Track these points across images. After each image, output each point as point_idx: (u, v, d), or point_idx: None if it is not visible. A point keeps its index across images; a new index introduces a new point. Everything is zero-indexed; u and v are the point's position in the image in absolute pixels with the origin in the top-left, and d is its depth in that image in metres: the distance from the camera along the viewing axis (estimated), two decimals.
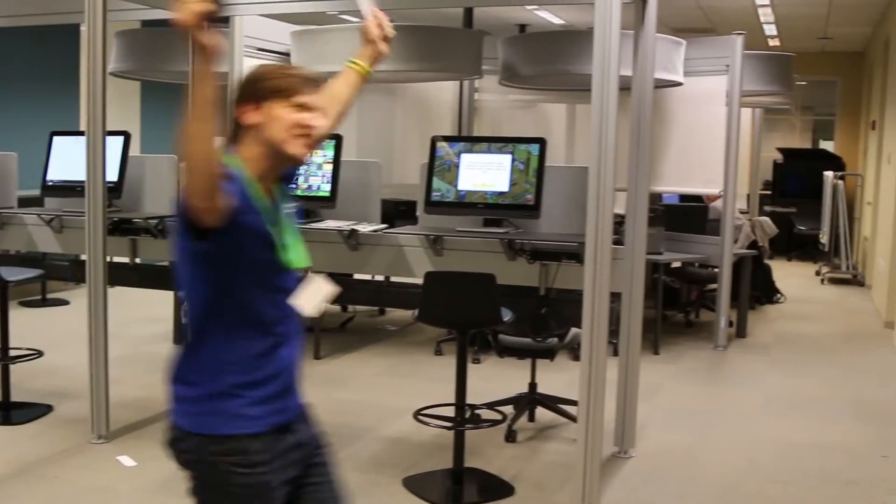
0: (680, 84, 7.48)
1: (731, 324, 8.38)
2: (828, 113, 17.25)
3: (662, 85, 7.42)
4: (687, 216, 8.76)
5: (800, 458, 5.28)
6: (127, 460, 4.89)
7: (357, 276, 7.59)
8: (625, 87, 5.04)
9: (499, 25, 12.85)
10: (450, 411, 4.72)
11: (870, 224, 12.08)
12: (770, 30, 13.21)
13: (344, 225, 5.57)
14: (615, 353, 5.23)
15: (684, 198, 9.79)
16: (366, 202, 5.81)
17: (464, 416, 4.65)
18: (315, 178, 5.65)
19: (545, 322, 5.35)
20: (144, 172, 6.22)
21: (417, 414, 4.93)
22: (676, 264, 8.94)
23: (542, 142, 5.26)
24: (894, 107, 9.41)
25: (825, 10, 11.78)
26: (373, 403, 6.09)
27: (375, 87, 8.38)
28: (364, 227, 5.53)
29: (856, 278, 12.47)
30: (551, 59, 6.87)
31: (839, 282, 12.50)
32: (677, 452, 5.30)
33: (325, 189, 5.62)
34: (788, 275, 12.64)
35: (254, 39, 7.08)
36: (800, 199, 14.80)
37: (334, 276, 7.32)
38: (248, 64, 6.83)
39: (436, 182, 5.41)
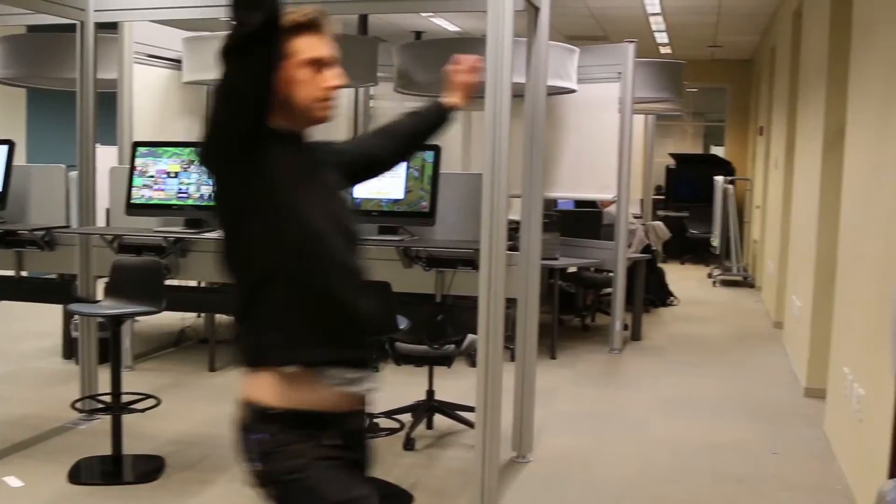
0: (573, 91, 7.57)
1: (626, 327, 8.50)
2: (718, 119, 17.65)
3: (556, 92, 7.50)
4: (582, 221, 8.86)
5: (693, 457, 5.37)
6: (14, 481, 4.74)
7: None
8: (519, 93, 5.08)
9: (395, 32, 12.85)
10: None
11: (759, 227, 12.38)
12: (661, 38, 13.46)
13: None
14: (512, 359, 5.25)
15: (579, 203, 9.90)
16: None
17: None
18: (207, 187, 5.56)
19: (442, 329, 5.34)
20: (30, 183, 6.04)
21: None
22: (572, 269, 9.04)
23: (436, 149, 5.25)
24: (781, 113, 9.66)
25: (714, 19, 12.05)
26: None
27: None
28: None
29: (746, 280, 12.77)
30: (442, 67, 6.89)
31: (730, 284, 12.79)
32: (574, 456, 5.35)
33: None
34: (681, 278, 12.88)
35: (144, 46, 6.96)
36: (692, 204, 15.11)
37: (228, 287, 7.27)
38: (137, 71, 6.71)
39: None
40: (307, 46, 2.29)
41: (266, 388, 2.34)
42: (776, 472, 5.16)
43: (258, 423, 2.36)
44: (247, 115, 2.17)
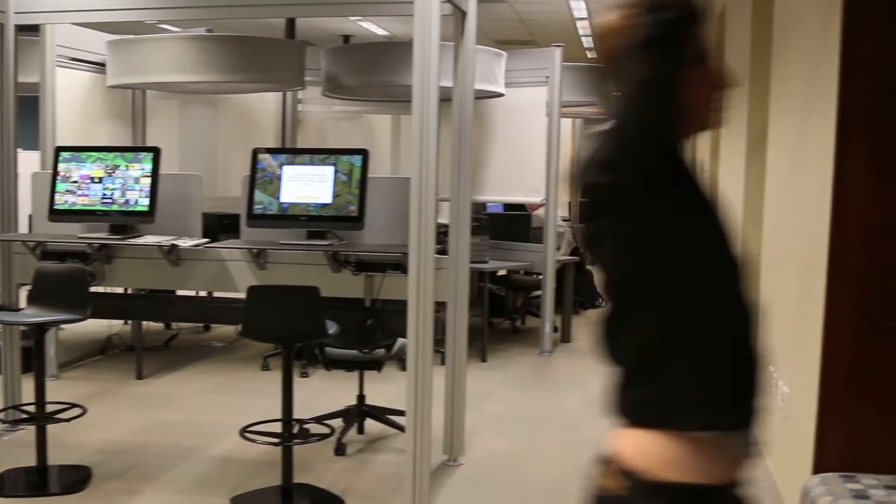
0: (501, 95, 7.61)
1: (556, 329, 8.55)
2: None
3: (484, 96, 7.53)
4: (511, 224, 8.91)
5: None
6: None
7: (179, 293, 7.41)
8: (447, 97, 5.09)
9: (323, 36, 12.80)
10: (277, 427, 4.65)
11: None
12: (589, 42, 13.58)
13: (164, 240, 5.42)
14: (443, 362, 5.25)
15: (508, 206, 9.95)
16: (186, 216, 5.67)
17: (291, 432, 4.59)
18: (132, 192, 5.48)
19: (371, 333, 5.33)
20: None
21: (244, 431, 4.84)
22: (502, 272, 9.08)
23: (364, 153, 5.24)
24: None
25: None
26: (199, 423, 5.95)
27: (197, 99, 8.22)
28: (185, 242, 5.40)
29: None
30: (374, 71, 6.89)
31: None
32: (506, 458, 5.37)
33: (144, 203, 5.46)
34: None
35: (67, 49, 6.84)
36: None
37: (155, 294, 7.18)
38: (59, 74, 6.60)
39: (258, 195, 5.33)
40: (698, 39, 1.89)
41: (660, 454, 1.87)
42: None
43: (641, 496, 1.88)
44: (670, 122, 1.81)
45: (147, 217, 5.48)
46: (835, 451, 3.68)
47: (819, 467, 3.68)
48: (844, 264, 3.63)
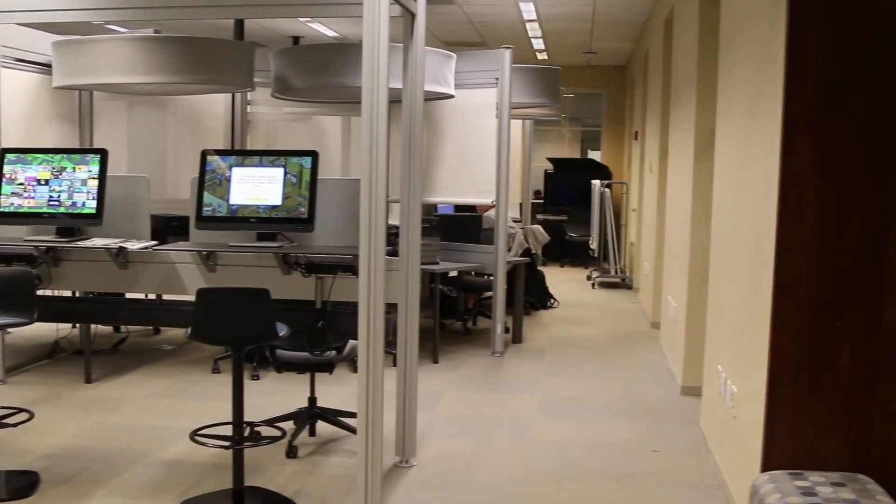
0: (451, 96, 7.62)
1: (507, 330, 8.57)
2: (595, 124, 17.95)
3: (434, 97, 7.54)
4: (462, 226, 8.92)
5: (575, 457, 5.45)
6: None
7: (128, 296, 7.33)
8: (397, 99, 5.09)
9: (272, 37, 12.74)
10: (228, 430, 4.62)
11: (635, 230, 12.64)
12: (538, 44, 13.64)
13: (112, 242, 5.36)
14: (394, 364, 5.25)
15: (459, 208, 9.96)
16: (134, 218, 5.62)
17: (242, 435, 4.56)
18: (80, 194, 5.42)
19: (322, 335, 5.32)
20: None
21: (194, 435, 4.80)
22: (453, 273, 9.09)
23: (314, 154, 5.22)
24: (654, 118, 9.89)
25: (589, 26, 12.25)
26: (148, 426, 5.89)
27: (145, 101, 8.15)
28: (133, 245, 5.35)
29: (624, 282, 13.02)
30: (323, 72, 6.87)
31: (609, 285, 13.02)
32: (458, 459, 5.37)
33: (91, 206, 5.40)
34: (561, 280, 13.09)
35: (11, 49, 6.75)
36: (570, 208, 15.35)
37: (104, 297, 7.10)
38: (4, 75, 6.51)
39: (207, 196, 5.29)
40: None
41: None
42: (655, 470, 5.26)
43: None
44: None
45: (94, 219, 5.43)
46: (783, 450, 3.72)
47: (767, 465, 3.73)
48: (791, 264, 3.68)
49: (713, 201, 5.68)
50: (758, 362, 3.93)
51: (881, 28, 3.55)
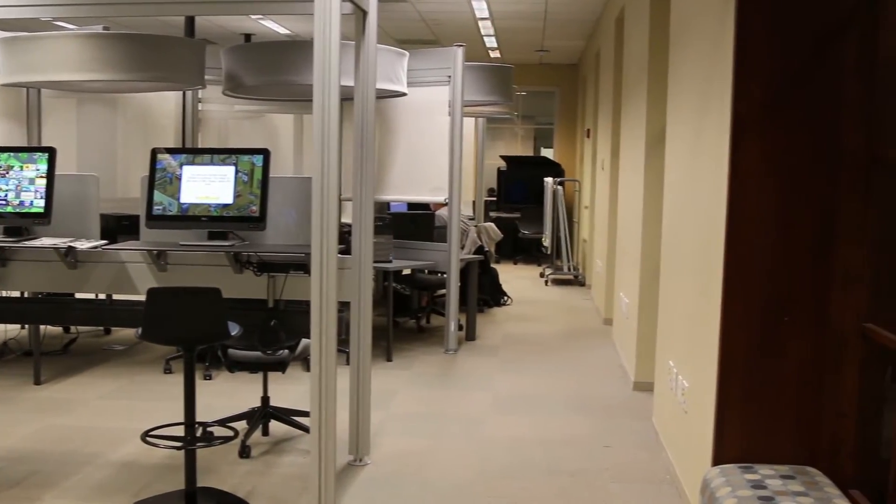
0: (404, 94, 7.61)
1: (460, 327, 8.59)
2: (547, 122, 18.03)
3: (387, 95, 7.53)
4: (415, 224, 8.91)
5: (528, 453, 5.47)
6: None
7: (78, 296, 7.25)
8: (349, 97, 5.07)
9: (224, 35, 12.66)
10: (180, 431, 4.58)
11: (587, 227, 12.71)
12: (491, 42, 13.67)
13: (60, 242, 5.30)
14: (348, 362, 5.24)
15: (412, 206, 9.96)
16: (84, 218, 5.56)
17: (194, 435, 4.53)
18: (27, 193, 5.35)
19: (275, 334, 5.29)
20: None
21: (146, 435, 4.76)
22: (406, 271, 9.08)
23: (265, 152, 5.20)
24: (606, 116, 9.94)
25: (541, 25, 12.30)
26: (99, 428, 5.83)
27: (94, 98, 8.06)
28: (82, 244, 5.29)
29: (577, 279, 13.09)
30: (274, 70, 6.83)
31: (562, 282, 13.08)
32: (412, 457, 5.37)
33: (39, 205, 5.34)
34: (515, 278, 13.13)
35: None
36: (523, 205, 15.40)
37: (53, 297, 7.01)
38: None
39: (157, 195, 5.25)
40: None
41: None
42: (608, 465, 5.30)
43: None
44: None
45: (43, 219, 5.36)
46: (733, 444, 3.76)
47: (718, 459, 3.76)
48: (740, 261, 3.72)
49: (664, 199, 5.72)
50: (708, 358, 3.97)
51: (827, 29, 3.59)
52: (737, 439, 3.76)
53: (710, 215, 4.09)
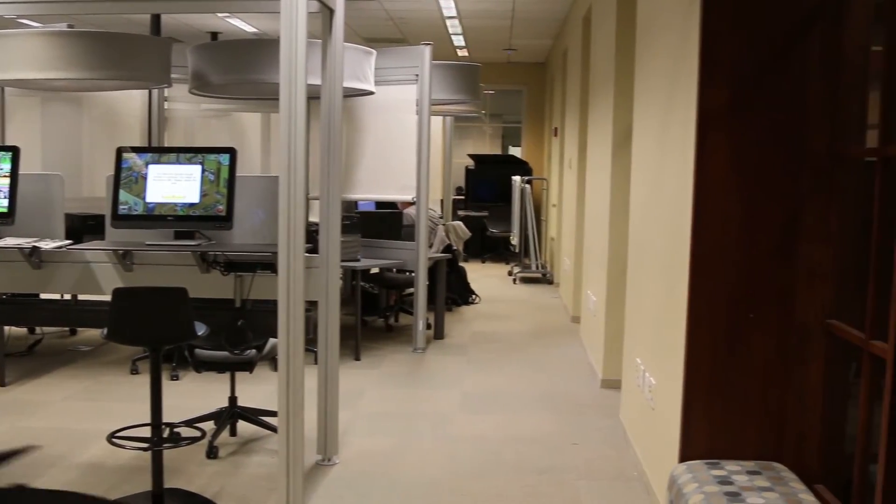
0: (371, 93, 7.60)
1: (429, 326, 8.59)
2: (515, 120, 18.06)
3: (354, 94, 7.51)
4: (382, 222, 8.91)
5: (497, 451, 5.48)
6: None
7: (43, 296, 7.19)
8: (316, 95, 5.06)
9: (190, 33, 12.58)
10: (147, 432, 4.56)
11: (555, 225, 12.74)
12: (458, 41, 13.67)
13: (24, 242, 5.26)
14: (316, 362, 5.22)
15: (380, 205, 9.95)
16: (48, 217, 5.51)
17: (161, 436, 4.50)
18: None
19: (242, 334, 5.27)
20: None
21: (112, 437, 4.72)
22: (374, 270, 9.08)
23: (232, 151, 5.17)
24: (573, 114, 9.97)
25: (509, 23, 12.31)
26: (65, 429, 5.78)
27: (59, 97, 7.99)
28: (47, 244, 5.25)
29: (545, 277, 13.12)
30: (241, 68, 6.80)
31: (530, 281, 13.11)
32: (380, 456, 5.37)
33: (3, 205, 5.28)
34: (483, 276, 13.15)
35: None
36: (491, 204, 15.42)
37: (17, 297, 6.95)
38: None
39: (123, 194, 5.21)
40: None
41: None
42: (576, 462, 5.32)
43: None
44: None
45: (6, 218, 5.31)
46: (700, 440, 3.79)
47: (685, 455, 3.79)
48: (706, 258, 3.74)
49: (631, 197, 5.75)
50: (675, 355, 4.00)
51: (791, 27, 3.62)
52: (703, 435, 3.78)
53: (676, 213, 4.11)
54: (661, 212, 4.55)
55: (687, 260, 3.80)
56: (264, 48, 6.83)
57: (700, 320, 3.76)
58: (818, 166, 3.63)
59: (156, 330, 4.36)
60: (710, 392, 3.77)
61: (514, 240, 13.43)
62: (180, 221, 5.18)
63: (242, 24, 12.44)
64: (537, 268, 13.23)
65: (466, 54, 14.88)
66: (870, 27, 3.56)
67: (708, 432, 3.79)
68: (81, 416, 6.13)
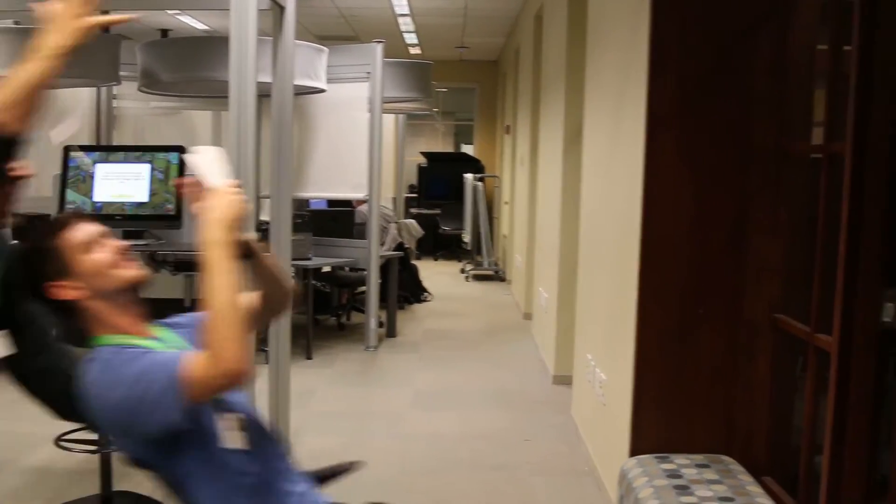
0: (323, 91, 7.56)
1: (381, 324, 8.58)
2: (467, 118, 18.08)
3: (306, 91, 7.47)
4: (334, 221, 8.88)
5: (450, 448, 5.49)
6: None
7: None
8: (267, 93, 5.03)
9: (140, 30, 12.44)
10: (96, 434, 4.50)
11: (508, 222, 12.78)
12: (411, 38, 13.65)
13: None
14: (268, 361, 5.19)
15: (333, 203, 9.92)
16: None
17: (109, 439, 4.45)
18: None
19: None
20: None
21: (59, 440, 4.67)
22: (326, 269, 9.04)
23: (181, 150, 5.14)
24: (525, 112, 10.00)
25: (461, 21, 12.32)
26: (10, 433, 5.69)
27: None
28: None
29: (497, 274, 13.15)
30: (191, 66, 6.74)
31: (482, 278, 13.13)
32: (332, 455, 5.30)
33: None
34: (435, 274, 13.15)
35: None
36: (444, 201, 15.42)
37: None
38: None
39: (70, 194, 5.15)
40: None
41: None
42: (529, 458, 5.34)
43: None
44: None
45: None
46: (650, 434, 3.82)
47: (636, 450, 3.82)
48: (656, 254, 3.77)
49: (582, 194, 5.78)
50: (625, 350, 4.02)
51: (740, 26, 3.66)
52: (653, 430, 3.81)
53: (626, 209, 4.14)
54: (612, 208, 4.58)
55: (637, 256, 3.82)
56: (215, 45, 6.77)
57: (650, 316, 3.80)
58: (766, 163, 3.67)
59: None
60: (660, 387, 3.80)
61: (467, 237, 13.45)
62: (129, 221, 5.13)
63: (193, 22, 12.34)
64: (489, 265, 13.26)
65: (419, 52, 14.87)
66: (816, 27, 3.61)
67: (658, 427, 3.82)
68: (27, 418, 5.98)
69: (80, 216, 2.32)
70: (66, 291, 2.20)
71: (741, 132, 3.68)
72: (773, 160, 3.67)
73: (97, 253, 2.24)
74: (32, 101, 2.17)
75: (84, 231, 2.25)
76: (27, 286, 2.24)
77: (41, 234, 2.25)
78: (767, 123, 3.65)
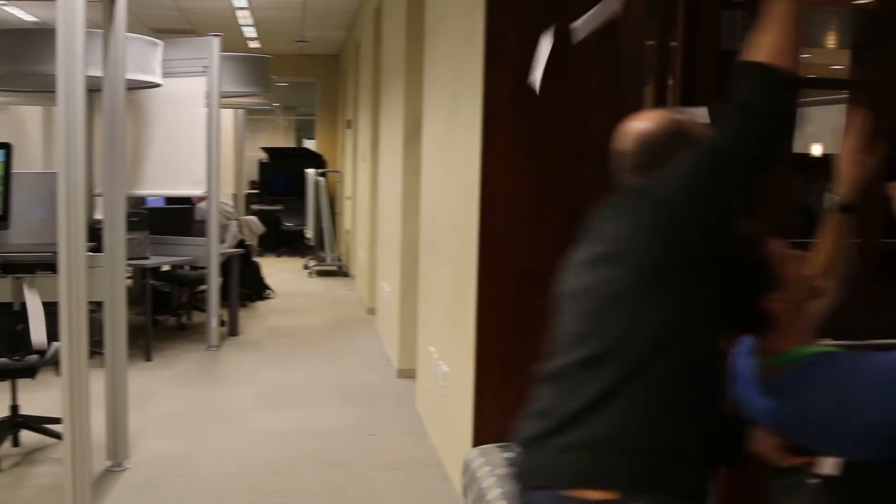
0: (159, 85, 7.39)
1: (223, 323, 8.45)
2: (309, 113, 17.96)
3: (139, 86, 7.29)
4: (171, 218, 8.69)
5: (293, 446, 5.44)
6: None
7: None
8: (99, 88, 4.89)
9: None
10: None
11: (350, 218, 12.76)
12: (250, 32, 13.48)
13: None
14: (104, 364, 5.05)
15: (172, 200, 9.70)
16: None
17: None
18: None
19: (22, 339, 5.03)
20: None
21: None
22: (165, 268, 8.85)
23: (7, 147, 4.93)
24: (366, 107, 9.99)
25: (300, 14, 12.23)
26: None
27: None
28: None
29: (341, 269, 13.12)
30: (18, 59, 6.49)
31: (326, 274, 13.08)
32: (173, 458, 5.24)
33: None
34: (278, 270, 13.03)
35: None
36: (285, 197, 15.30)
37: None
38: None
39: None
40: None
41: None
42: (373, 453, 5.34)
43: None
44: None
45: None
46: (491, 424, 3.87)
47: (478, 440, 3.87)
48: (494, 247, 3.82)
49: (422, 187, 5.81)
50: (466, 342, 4.07)
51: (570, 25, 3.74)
52: (494, 420, 3.87)
53: (464, 202, 4.18)
54: (451, 203, 4.62)
55: (475, 248, 3.87)
56: (43, 38, 6.54)
57: (489, 308, 3.85)
58: (599, 156, 3.76)
59: None
60: (500, 377, 3.85)
61: (309, 233, 13.37)
62: None
63: (20, 13, 11.88)
64: (333, 261, 13.22)
65: (258, 46, 14.69)
66: (644, 24, 3.71)
67: (499, 416, 3.87)
68: None
69: None
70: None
71: (575, 126, 3.76)
72: (606, 154, 3.75)
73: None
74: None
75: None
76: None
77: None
78: (600, 118, 3.74)
